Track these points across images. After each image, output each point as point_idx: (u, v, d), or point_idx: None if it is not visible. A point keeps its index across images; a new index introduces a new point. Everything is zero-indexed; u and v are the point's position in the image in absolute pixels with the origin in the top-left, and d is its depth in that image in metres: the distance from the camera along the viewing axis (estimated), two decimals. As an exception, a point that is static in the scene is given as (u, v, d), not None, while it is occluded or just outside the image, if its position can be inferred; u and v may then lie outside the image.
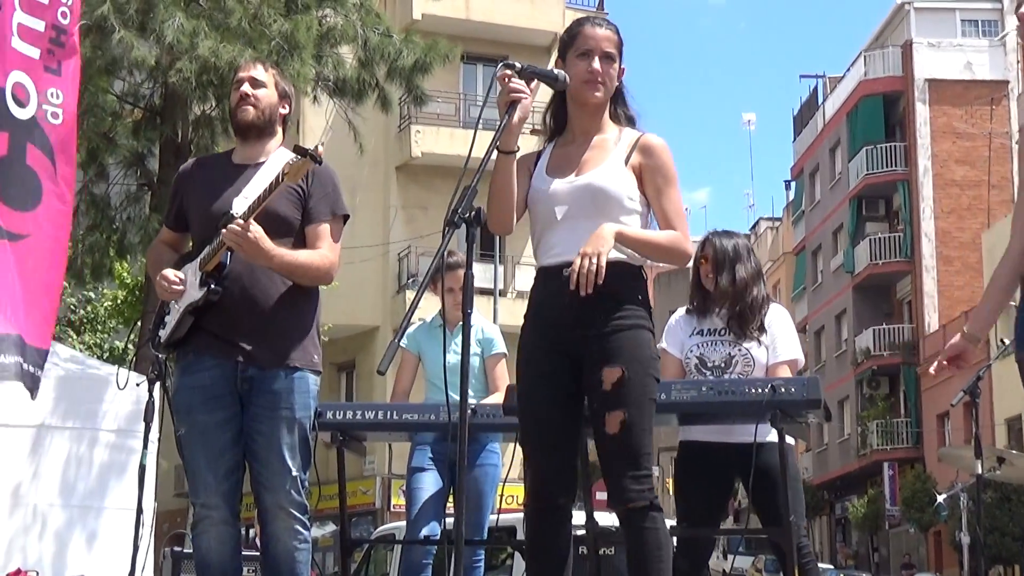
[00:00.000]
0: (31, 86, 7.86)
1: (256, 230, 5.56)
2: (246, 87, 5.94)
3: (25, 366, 7.72)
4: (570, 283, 5.02)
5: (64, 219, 8.11)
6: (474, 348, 8.11)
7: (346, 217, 6.02)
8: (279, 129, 6.03)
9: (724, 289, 6.96)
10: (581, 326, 5.14)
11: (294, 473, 5.75)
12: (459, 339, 7.89)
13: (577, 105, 5.38)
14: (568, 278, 5.01)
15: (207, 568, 5.85)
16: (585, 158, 5.31)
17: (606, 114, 5.39)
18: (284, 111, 6.03)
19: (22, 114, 7.78)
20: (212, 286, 5.71)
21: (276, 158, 5.87)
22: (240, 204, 5.65)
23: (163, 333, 5.91)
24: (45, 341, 8.04)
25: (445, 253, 7.73)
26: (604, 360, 5.10)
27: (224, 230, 5.59)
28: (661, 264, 5.57)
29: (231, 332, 5.75)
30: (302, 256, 5.77)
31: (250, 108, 5.93)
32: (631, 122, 5.41)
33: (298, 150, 5.47)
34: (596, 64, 5.26)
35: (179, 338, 5.87)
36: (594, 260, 4.98)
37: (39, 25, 7.87)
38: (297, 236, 5.85)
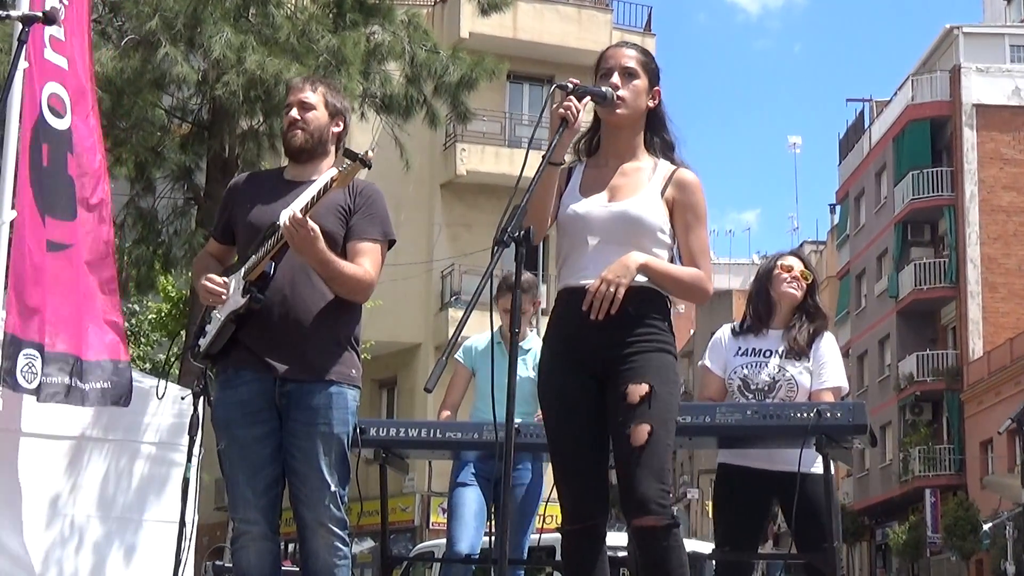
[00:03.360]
0: (65, 96, 7.89)
1: (313, 224, 5.55)
2: (294, 112, 5.92)
3: (75, 382, 7.76)
4: (583, 303, 5.05)
5: (104, 225, 8.14)
6: (530, 372, 8.11)
7: (392, 242, 5.98)
8: (331, 148, 5.99)
9: (816, 315, 6.95)
10: (606, 347, 5.14)
11: (333, 489, 5.73)
12: (519, 358, 7.91)
13: (608, 127, 5.39)
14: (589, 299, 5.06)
15: None
16: (617, 184, 5.31)
17: (638, 140, 5.39)
18: (337, 129, 5.98)
19: (60, 124, 7.81)
20: (255, 294, 5.70)
21: (326, 177, 5.84)
22: (287, 214, 5.63)
23: (203, 342, 5.91)
24: (107, 351, 8.06)
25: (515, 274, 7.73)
26: (630, 378, 5.10)
27: (281, 224, 5.57)
28: (681, 305, 5.58)
29: (268, 346, 5.74)
30: (347, 265, 5.74)
31: (299, 132, 5.91)
32: (668, 148, 5.40)
33: (348, 154, 5.47)
34: (615, 79, 5.27)
35: (219, 349, 5.86)
36: (612, 288, 5.03)
37: (60, 34, 7.91)
38: (340, 252, 5.84)
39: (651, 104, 5.35)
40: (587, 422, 5.18)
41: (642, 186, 5.28)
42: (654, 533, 5.01)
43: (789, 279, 7.02)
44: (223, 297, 5.78)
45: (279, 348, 5.74)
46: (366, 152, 5.46)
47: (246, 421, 5.78)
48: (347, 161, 5.47)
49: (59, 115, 7.82)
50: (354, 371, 5.88)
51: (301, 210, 5.54)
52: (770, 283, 7.05)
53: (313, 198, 5.57)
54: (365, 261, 5.81)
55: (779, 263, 7.06)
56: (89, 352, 8.01)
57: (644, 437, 5.02)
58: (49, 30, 7.72)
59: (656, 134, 5.40)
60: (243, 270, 5.78)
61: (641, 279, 5.12)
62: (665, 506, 5.02)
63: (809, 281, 7.04)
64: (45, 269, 7.62)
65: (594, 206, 5.27)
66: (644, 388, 5.06)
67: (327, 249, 5.63)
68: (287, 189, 5.87)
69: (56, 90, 7.83)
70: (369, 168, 5.51)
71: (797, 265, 7.05)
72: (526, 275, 7.89)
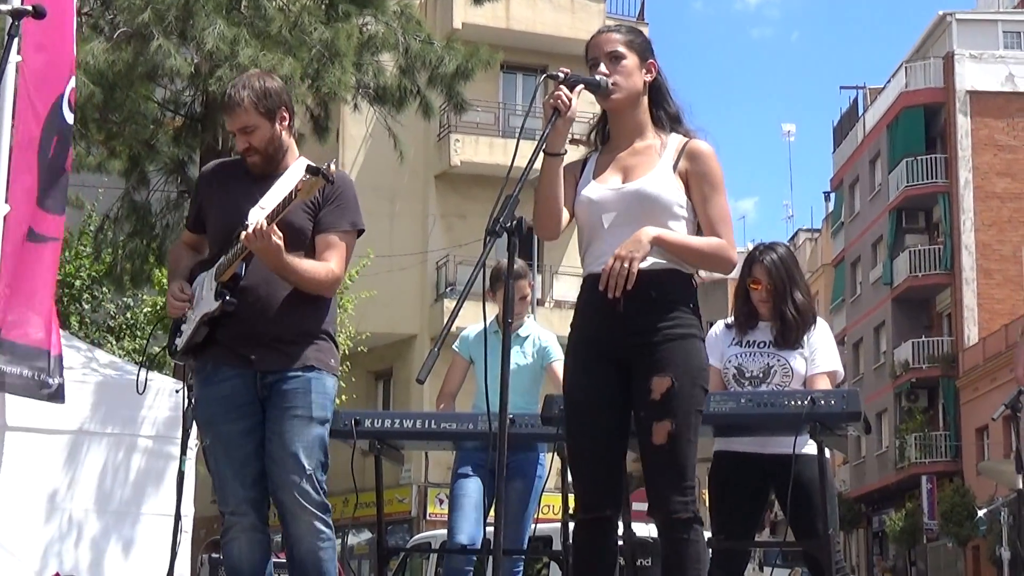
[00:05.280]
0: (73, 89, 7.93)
1: (277, 238, 5.52)
2: (240, 142, 5.86)
3: (52, 380, 7.78)
4: (599, 283, 5.04)
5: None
6: (529, 359, 8.13)
7: (360, 231, 5.96)
8: (288, 140, 5.94)
9: (790, 320, 6.93)
10: (630, 334, 5.12)
11: (309, 472, 5.68)
12: (516, 347, 7.92)
13: (611, 113, 5.37)
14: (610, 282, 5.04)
15: (238, 575, 5.85)
16: (630, 164, 5.27)
17: (644, 117, 5.34)
18: (284, 122, 5.90)
19: (70, 119, 7.85)
20: (227, 297, 5.69)
21: (293, 169, 5.83)
22: (256, 214, 5.60)
23: (179, 341, 5.92)
24: (58, 345, 8.08)
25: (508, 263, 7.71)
26: (654, 369, 5.07)
27: (244, 234, 5.55)
28: (704, 274, 5.57)
29: (244, 341, 5.74)
30: (307, 265, 5.72)
31: (255, 157, 5.86)
32: (675, 120, 5.36)
33: (310, 169, 5.42)
34: (602, 67, 5.25)
35: (196, 345, 5.86)
36: (626, 264, 4.99)
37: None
38: (309, 244, 5.83)
39: (647, 79, 5.31)
40: (607, 412, 5.17)
41: (655, 163, 5.24)
42: (674, 526, 5.05)
43: (758, 298, 7.05)
44: (184, 307, 5.80)
45: (255, 342, 5.74)
46: (327, 165, 5.42)
47: (229, 417, 5.78)
48: (308, 175, 5.39)
49: (71, 109, 7.86)
50: (332, 360, 5.87)
51: (266, 218, 5.51)
52: (748, 295, 7.08)
53: (277, 208, 5.53)
54: (332, 255, 5.79)
55: (749, 279, 7.07)
56: (53, 346, 8.02)
57: (664, 437, 5.03)
58: (74, 23, 7.76)
59: (659, 107, 5.36)
60: (214, 270, 5.78)
61: (661, 260, 5.10)
62: (687, 503, 5.04)
63: (774, 292, 7.01)
64: (26, 260, 7.63)
65: (607, 189, 5.25)
66: (667, 383, 5.05)
67: (289, 257, 5.61)
68: (255, 185, 5.83)
69: (73, 84, 7.87)
70: (331, 183, 5.48)
71: (764, 279, 7.02)
72: (517, 263, 7.88)
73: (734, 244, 5.28)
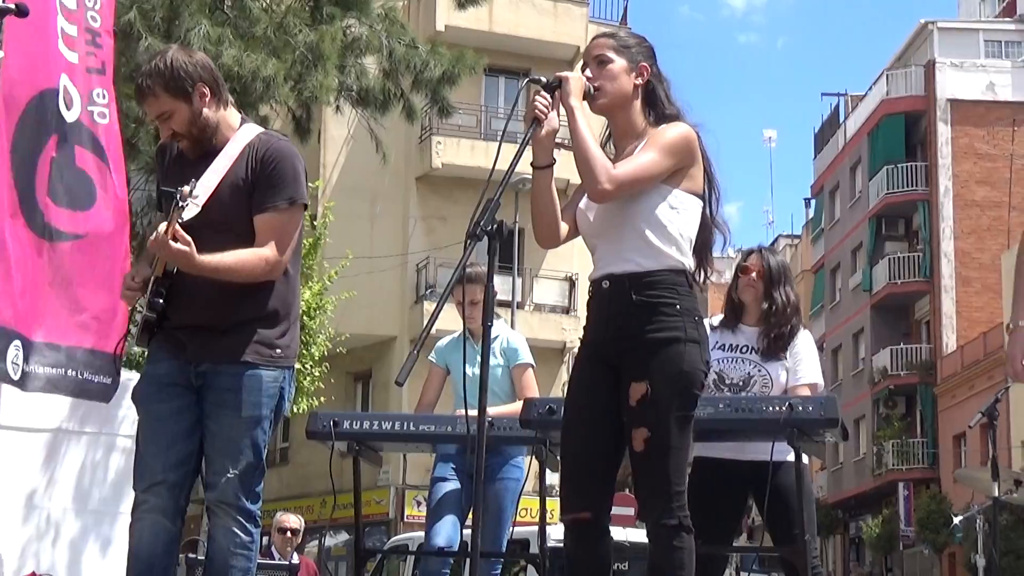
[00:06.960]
0: (73, 89, 7.95)
1: (179, 246, 5.29)
2: (163, 130, 5.63)
3: (69, 372, 7.76)
4: None
5: (123, 215, 8.21)
6: (498, 359, 8.12)
7: (305, 205, 5.64)
8: (214, 112, 5.62)
9: (780, 307, 7.01)
10: (617, 339, 5.15)
11: (231, 473, 5.50)
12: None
13: (606, 119, 5.39)
14: (606, 288, 5.16)
15: (135, 559, 5.60)
16: None
17: (637, 120, 5.32)
18: (205, 99, 5.57)
19: (69, 116, 7.87)
20: (152, 299, 5.52)
21: (233, 144, 5.62)
22: (189, 209, 5.39)
23: (132, 335, 5.86)
24: (107, 344, 8.00)
25: (466, 265, 7.70)
26: (632, 375, 5.09)
27: (148, 243, 5.40)
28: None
29: (180, 331, 5.57)
30: (229, 261, 5.44)
31: (183, 142, 5.65)
32: (671, 119, 5.28)
33: (164, 194, 5.31)
34: (588, 72, 5.25)
35: (149, 328, 5.64)
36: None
37: (73, 30, 7.99)
38: (249, 226, 5.56)
39: (637, 82, 5.28)
40: (600, 416, 5.18)
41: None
42: (659, 532, 5.06)
43: (745, 282, 7.13)
44: (133, 296, 5.67)
45: (189, 331, 5.57)
46: (180, 190, 5.20)
47: (161, 396, 5.59)
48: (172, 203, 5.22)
49: (67, 107, 7.87)
50: (277, 350, 5.61)
51: (164, 226, 5.29)
52: (735, 285, 7.17)
53: (172, 216, 5.30)
54: (267, 239, 5.50)
55: (738, 267, 7.18)
56: (89, 342, 7.99)
57: (641, 444, 5.04)
58: (59, 23, 7.78)
59: (653, 109, 5.31)
60: (152, 266, 5.61)
61: (656, 262, 5.12)
62: (671, 509, 5.04)
63: (766, 276, 7.09)
64: (37, 257, 7.62)
65: None
66: (642, 389, 5.05)
67: (206, 258, 5.37)
68: (194, 171, 5.55)
69: (66, 83, 7.89)
70: (184, 207, 5.25)
71: (755, 265, 7.13)
72: (478, 268, 7.86)
73: (621, 184, 5.06)
